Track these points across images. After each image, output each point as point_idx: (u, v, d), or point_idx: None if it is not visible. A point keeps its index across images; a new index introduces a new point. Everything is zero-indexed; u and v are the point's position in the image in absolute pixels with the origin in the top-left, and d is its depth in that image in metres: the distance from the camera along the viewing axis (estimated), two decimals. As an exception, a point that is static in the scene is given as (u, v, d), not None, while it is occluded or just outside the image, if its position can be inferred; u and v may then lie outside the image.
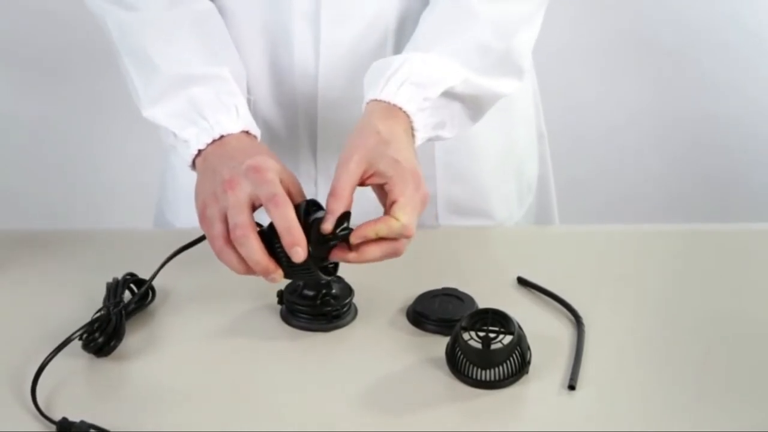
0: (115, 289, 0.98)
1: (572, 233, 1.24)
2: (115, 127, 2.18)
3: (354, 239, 0.91)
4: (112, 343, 0.92)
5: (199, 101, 1.01)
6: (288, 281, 0.98)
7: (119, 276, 1.00)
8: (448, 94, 1.02)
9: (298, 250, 0.88)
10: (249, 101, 1.13)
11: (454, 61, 1.03)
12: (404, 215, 0.90)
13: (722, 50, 2.18)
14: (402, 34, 1.12)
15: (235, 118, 1.01)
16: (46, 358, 0.89)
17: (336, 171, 0.93)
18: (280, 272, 0.91)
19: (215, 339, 0.96)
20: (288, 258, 0.89)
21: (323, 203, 0.93)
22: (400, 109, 0.99)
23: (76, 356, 0.92)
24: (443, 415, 0.87)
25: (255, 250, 0.89)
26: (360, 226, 0.91)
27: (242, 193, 0.91)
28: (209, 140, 0.99)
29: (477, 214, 1.23)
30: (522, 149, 1.30)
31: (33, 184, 2.23)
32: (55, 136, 2.20)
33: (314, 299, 0.97)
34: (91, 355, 0.92)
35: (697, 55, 2.19)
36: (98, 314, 0.95)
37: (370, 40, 1.12)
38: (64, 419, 0.83)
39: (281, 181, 0.92)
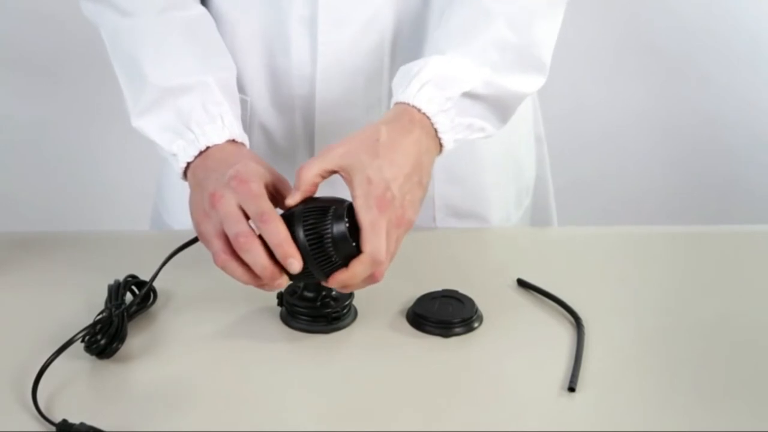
0: (116, 290, 0.98)
1: (573, 235, 1.24)
2: (113, 129, 2.18)
3: (332, 285, 0.92)
4: (114, 345, 0.92)
5: (185, 113, 1.02)
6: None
7: (119, 278, 1.00)
8: (471, 95, 1.00)
9: (293, 262, 0.89)
10: (246, 102, 1.13)
11: (474, 60, 1.01)
12: (368, 245, 0.89)
13: (722, 53, 2.19)
14: (399, 37, 1.12)
15: (220, 128, 1.01)
16: (48, 359, 0.88)
17: (318, 153, 0.93)
18: (285, 277, 0.91)
19: (215, 341, 0.96)
20: None
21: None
22: (419, 110, 0.97)
23: (78, 358, 0.91)
24: (443, 415, 0.87)
25: (260, 255, 0.89)
26: (337, 275, 0.90)
27: (229, 204, 0.91)
28: (196, 152, 1.00)
29: (474, 217, 1.23)
30: (520, 152, 1.30)
31: (30, 186, 2.23)
32: (52, 139, 2.20)
33: (314, 301, 0.97)
34: (93, 357, 0.92)
35: (696, 58, 2.20)
36: (100, 316, 0.94)
37: (367, 42, 1.12)
38: (64, 421, 0.83)
39: (267, 186, 0.92)
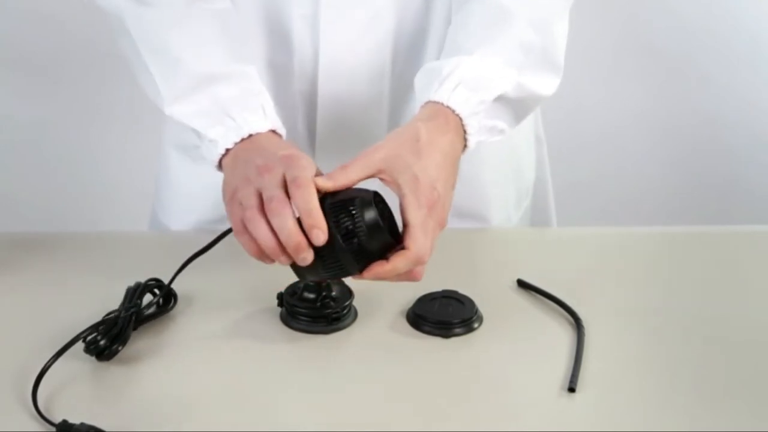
0: (132, 293, 0.97)
1: (573, 236, 1.24)
2: (113, 129, 2.18)
3: (368, 278, 0.90)
4: (115, 347, 0.91)
5: (224, 100, 1.00)
6: (288, 283, 0.98)
7: (120, 278, 1.00)
8: (500, 98, 1.01)
9: (319, 234, 0.87)
10: None
11: (502, 61, 1.01)
12: (415, 244, 0.89)
13: (722, 53, 2.19)
14: (400, 35, 1.13)
15: (262, 117, 1.00)
16: (49, 360, 0.88)
17: (357, 156, 0.92)
18: (310, 252, 0.88)
19: (215, 342, 0.96)
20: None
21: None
22: (453, 111, 0.97)
23: (80, 360, 0.91)
24: (443, 415, 0.87)
25: (289, 219, 0.87)
26: (375, 267, 0.89)
27: (276, 175, 0.89)
28: (237, 139, 0.98)
29: (475, 217, 1.23)
30: (520, 153, 1.30)
31: (30, 186, 2.23)
32: (52, 139, 2.20)
33: (314, 302, 0.97)
34: (98, 359, 0.92)
35: (696, 58, 2.19)
36: (107, 317, 0.94)
37: (369, 41, 1.12)
38: (64, 421, 0.83)
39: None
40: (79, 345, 0.91)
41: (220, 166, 1.00)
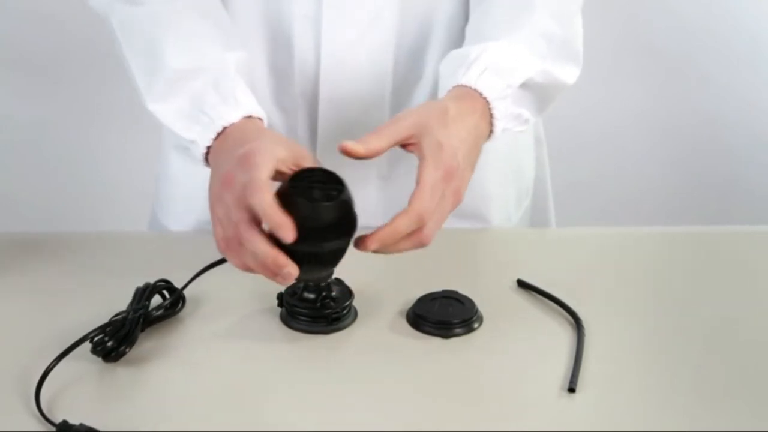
0: (141, 294, 0.97)
1: (573, 236, 1.24)
2: (113, 129, 2.19)
3: (373, 245, 0.88)
4: (122, 348, 0.90)
5: (199, 96, 1.01)
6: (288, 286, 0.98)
7: (120, 279, 1.00)
8: (526, 85, 1.03)
9: (286, 232, 0.85)
10: None
11: (527, 49, 1.03)
12: (418, 201, 0.88)
13: (722, 53, 2.19)
14: (403, 37, 1.12)
15: (233, 107, 1.00)
16: (53, 360, 0.88)
17: (387, 123, 0.92)
18: (294, 266, 0.87)
19: (215, 343, 0.96)
20: (296, 254, 0.87)
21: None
22: (481, 95, 0.98)
23: (88, 361, 0.91)
24: (443, 416, 0.87)
25: (258, 242, 0.86)
26: (377, 232, 0.88)
27: (237, 188, 0.88)
28: (213, 135, 0.98)
29: (474, 217, 1.23)
30: (520, 153, 1.30)
31: (30, 186, 2.23)
32: (52, 139, 2.21)
33: (314, 302, 0.97)
34: (104, 360, 0.91)
35: (696, 58, 2.20)
36: (115, 318, 0.93)
37: (371, 41, 1.12)
38: (64, 422, 0.83)
39: (285, 162, 0.89)
40: (86, 346, 0.90)
41: (209, 164, 1.00)
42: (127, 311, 0.94)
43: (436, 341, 0.96)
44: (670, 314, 1.02)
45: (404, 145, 0.93)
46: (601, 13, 2.13)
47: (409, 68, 1.14)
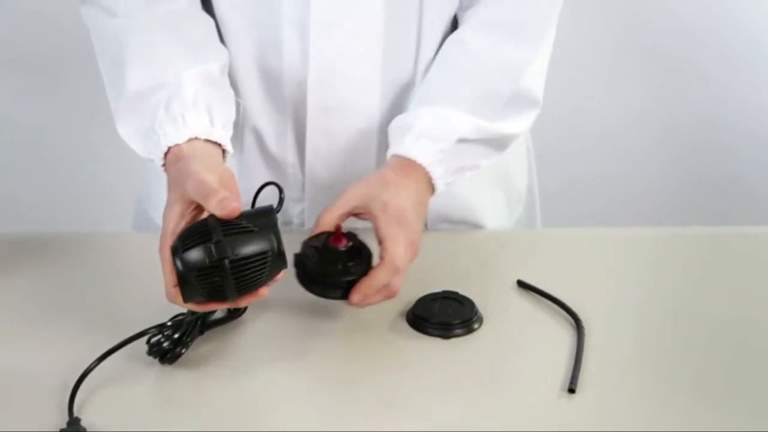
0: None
1: (572, 236, 1.24)
2: (113, 129, 2.18)
3: (355, 298, 0.95)
4: (178, 350, 0.91)
5: (152, 116, 1.02)
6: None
7: (121, 279, 1.00)
8: (463, 141, 1.07)
9: (173, 296, 0.90)
10: (238, 105, 1.13)
11: (463, 111, 1.07)
12: (387, 253, 0.95)
13: (722, 53, 2.18)
14: (390, 43, 1.12)
15: (180, 127, 1.00)
16: (93, 362, 0.89)
17: (332, 203, 0.98)
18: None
19: (215, 342, 0.96)
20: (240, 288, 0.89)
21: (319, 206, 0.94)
22: (415, 161, 1.04)
23: (138, 362, 0.92)
24: (443, 416, 0.87)
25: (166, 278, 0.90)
26: (358, 286, 0.95)
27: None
28: (161, 155, 1.00)
29: (465, 224, 1.22)
30: (508, 158, 1.29)
31: (30, 186, 2.23)
32: (52, 139, 2.20)
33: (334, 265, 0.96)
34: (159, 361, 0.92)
35: (696, 58, 2.19)
36: (173, 319, 0.93)
37: (359, 46, 1.12)
38: (76, 418, 0.83)
39: (197, 196, 0.92)
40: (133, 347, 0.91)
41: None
42: (185, 314, 0.94)
43: (436, 342, 0.97)
44: (670, 314, 1.03)
45: (357, 214, 1.00)
46: (601, 13, 2.14)
47: (398, 74, 1.14)
